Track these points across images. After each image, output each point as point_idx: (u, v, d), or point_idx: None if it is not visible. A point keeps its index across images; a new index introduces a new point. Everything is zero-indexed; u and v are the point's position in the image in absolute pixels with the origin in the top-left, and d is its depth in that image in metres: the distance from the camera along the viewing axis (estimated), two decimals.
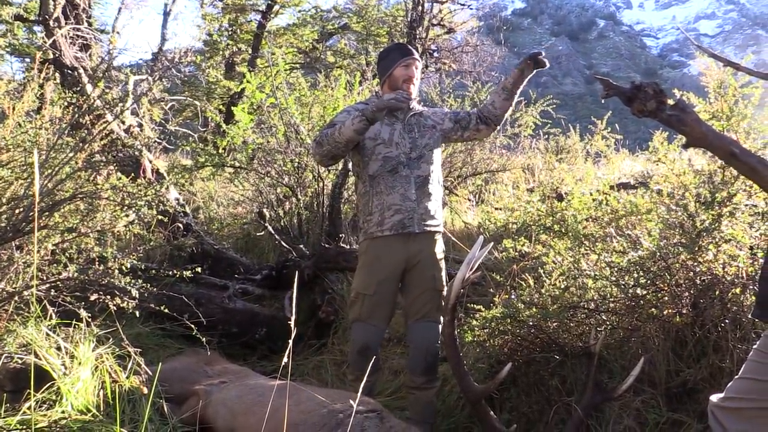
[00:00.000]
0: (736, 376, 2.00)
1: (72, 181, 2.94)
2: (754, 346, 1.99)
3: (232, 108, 7.12)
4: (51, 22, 5.46)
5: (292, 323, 1.40)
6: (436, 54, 13.67)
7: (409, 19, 12.59)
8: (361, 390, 2.04)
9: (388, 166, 3.18)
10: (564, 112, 8.55)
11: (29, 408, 2.32)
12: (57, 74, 4.94)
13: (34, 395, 2.30)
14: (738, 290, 2.74)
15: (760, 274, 1.93)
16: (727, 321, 2.73)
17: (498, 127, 3.44)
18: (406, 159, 3.19)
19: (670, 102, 1.14)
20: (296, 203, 5.67)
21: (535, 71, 3.25)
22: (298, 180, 5.66)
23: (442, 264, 3.29)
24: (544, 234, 3.61)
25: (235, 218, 6.90)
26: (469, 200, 7.40)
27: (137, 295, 2.83)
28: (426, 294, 3.18)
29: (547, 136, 8.51)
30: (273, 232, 5.24)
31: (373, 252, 3.21)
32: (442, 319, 3.15)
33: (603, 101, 1.14)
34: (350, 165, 3.93)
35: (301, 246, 5.08)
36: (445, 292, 3.19)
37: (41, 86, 3.63)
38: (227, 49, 12.70)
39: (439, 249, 3.29)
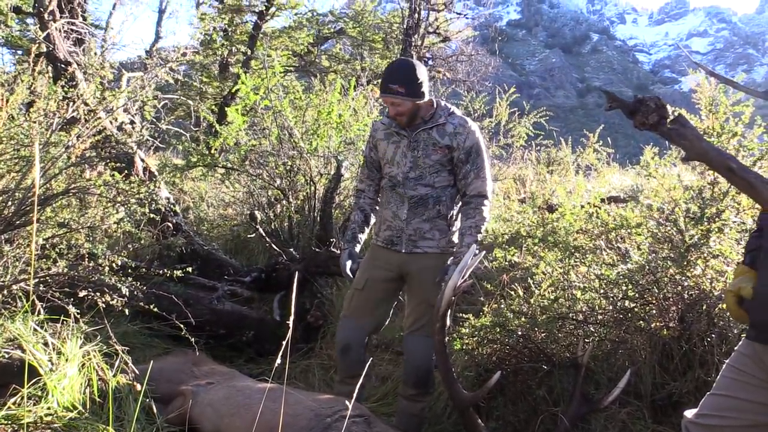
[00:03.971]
0: (710, 392, 2.01)
1: (65, 176, 2.93)
2: (727, 361, 1.99)
3: (226, 108, 7.12)
4: (45, 15, 5.42)
5: (290, 322, 1.39)
6: (430, 62, 13.74)
7: (405, 26, 12.65)
8: (355, 395, 2.03)
9: (390, 183, 3.21)
10: (555, 125, 8.62)
11: (14, 403, 2.30)
12: (50, 68, 4.91)
13: (21, 390, 2.27)
14: (725, 305, 2.76)
15: (754, 298, 1.91)
16: (713, 335, 2.76)
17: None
18: (403, 178, 3.13)
19: (671, 116, 1.17)
20: (287, 206, 5.66)
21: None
22: (289, 183, 5.65)
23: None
24: (534, 245, 3.64)
25: (225, 219, 6.88)
26: None
27: (127, 293, 2.81)
28: (421, 306, 3.12)
29: (539, 147, 8.57)
30: (263, 234, 5.23)
31: (371, 254, 3.31)
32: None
33: (607, 111, 1.16)
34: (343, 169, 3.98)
35: (291, 249, 5.07)
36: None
37: (33, 78, 3.61)
38: (223, 48, 12.67)
39: (441, 265, 3.08)
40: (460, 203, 3.18)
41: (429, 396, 3.23)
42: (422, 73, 3.05)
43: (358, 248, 3.33)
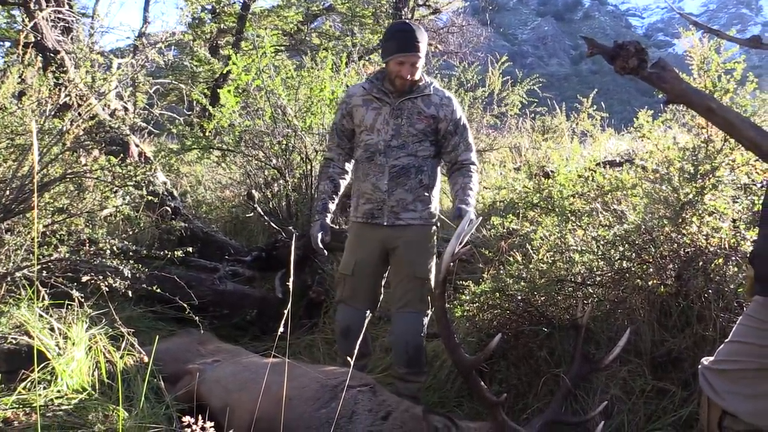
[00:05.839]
0: (726, 340, 2.06)
1: (60, 162, 2.94)
2: (745, 310, 2.04)
3: (218, 91, 7.10)
4: (32, 5, 5.38)
5: (290, 284, 1.42)
6: None
7: (394, 0, 12.52)
8: (352, 366, 2.08)
9: (366, 153, 3.12)
10: (550, 93, 8.56)
11: (25, 388, 2.34)
12: (39, 57, 4.89)
13: (30, 375, 2.32)
14: (720, 261, 2.80)
15: (753, 252, 1.97)
16: (710, 291, 2.79)
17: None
18: (384, 147, 3.06)
19: (651, 60, 1.19)
20: (284, 185, 5.67)
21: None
22: (285, 162, 5.65)
23: (432, 252, 3.15)
24: (531, 211, 3.66)
25: (223, 201, 6.89)
26: None
27: (129, 275, 2.84)
28: (405, 282, 3.12)
29: (533, 115, 8.55)
30: (262, 213, 5.25)
31: (353, 233, 3.25)
32: (428, 311, 3.14)
33: (588, 57, 1.18)
34: None
35: (291, 227, 5.09)
36: (432, 282, 3.10)
37: (23, 68, 3.60)
38: (212, 26, 12.54)
39: (425, 238, 3.14)
40: (448, 171, 3.20)
41: (422, 376, 3.21)
42: None
43: (329, 218, 3.29)
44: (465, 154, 3.14)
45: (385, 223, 3.09)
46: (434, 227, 3.19)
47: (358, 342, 3.12)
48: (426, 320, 3.16)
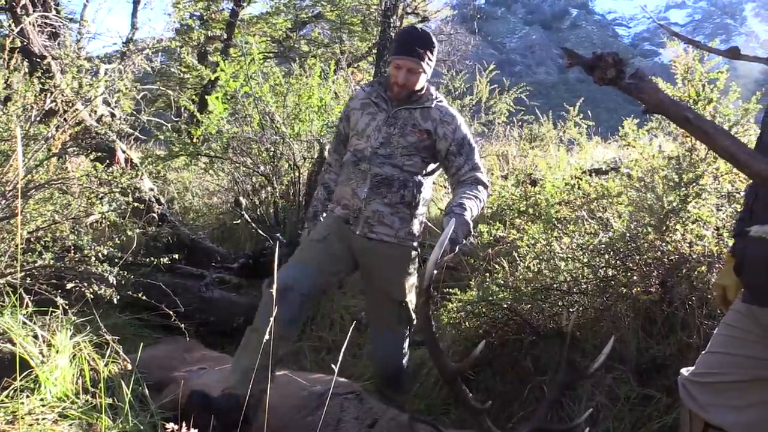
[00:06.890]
0: (706, 351, 2.05)
1: (46, 168, 2.92)
2: (722, 320, 2.04)
3: (206, 97, 7.08)
4: (18, 9, 5.35)
5: (273, 290, 1.42)
6: None
7: (383, 8, 12.55)
8: (336, 373, 2.05)
9: (353, 157, 2.92)
10: (537, 101, 8.63)
11: (8, 396, 2.31)
12: (25, 62, 4.86)
13: (13, 383, 2.29)
14: (704, 268, 2.83)
15: (739, 260, 1.95)
16: (694, 298, 2.82)
17: None
18: (370, 153, 2.85)
19: (629, 71, 1.21)
20: (272, 192, 5.67)
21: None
22: (273, 169, 5.65)
23: (409, 273, 2.95)
24: (518, 218, 3.68)
25: (210, 208, 6.87)
26: (445, 187, 7.45)
27: (114, 282, 2.82)
28: (383, 304, 2.97)
29: (521, 123, 8.61)
30: (249, 220, 5.24)
31: (325, 220, 3.05)
32: (406, 331, 3.00)
33: (567, 68, 1.20)
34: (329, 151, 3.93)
35: (278, 234, 5.09)
36: (410, 302, 2.97)
37: (9, 73, 3.58)
38: (200, 33, 12.52)
39: (400, 258, 2.92)
40: (451, 189, 2.92)
41: (405, 396, 3.12)
42: None
43: None
44: (470, 174, 2.84)
45: (358, 232, 2.87)
46: (413, 250, 2.96)
47: (300, 305, 2.74)
48: (406, 342, 3.03)
